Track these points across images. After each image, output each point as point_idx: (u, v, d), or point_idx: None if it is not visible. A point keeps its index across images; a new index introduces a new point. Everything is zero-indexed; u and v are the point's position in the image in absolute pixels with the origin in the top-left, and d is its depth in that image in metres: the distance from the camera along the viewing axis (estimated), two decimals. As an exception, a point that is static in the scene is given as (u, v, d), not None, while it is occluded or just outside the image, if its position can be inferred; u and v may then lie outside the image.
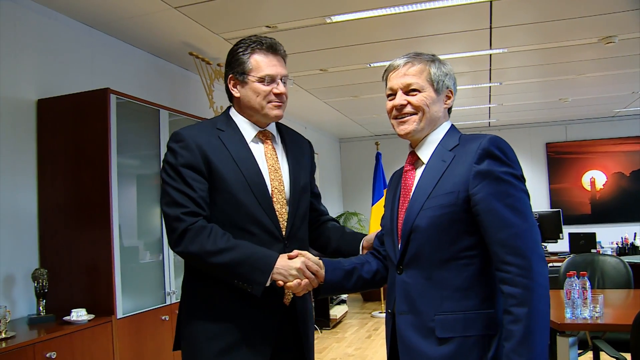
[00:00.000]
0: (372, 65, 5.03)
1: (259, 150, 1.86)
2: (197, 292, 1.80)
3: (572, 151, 9.01)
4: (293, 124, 7.63)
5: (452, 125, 1.68)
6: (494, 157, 1.47)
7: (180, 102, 4.66)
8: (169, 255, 3.70)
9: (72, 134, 3.24)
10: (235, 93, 1.87)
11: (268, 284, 1.68)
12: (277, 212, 1.80)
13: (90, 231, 3.18)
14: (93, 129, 3.20)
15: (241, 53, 1.83)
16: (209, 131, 1.82)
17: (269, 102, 1.84)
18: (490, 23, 4.05)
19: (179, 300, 3.83)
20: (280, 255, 1.71)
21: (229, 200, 1.75)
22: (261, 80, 1.82)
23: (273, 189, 1.81)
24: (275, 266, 1.68)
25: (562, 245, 6.87)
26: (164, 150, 3.63)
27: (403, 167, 1.72)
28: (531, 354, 1.35)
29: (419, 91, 1.61)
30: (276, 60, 1.85)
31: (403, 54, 1.68)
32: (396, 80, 1.64)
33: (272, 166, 1.85)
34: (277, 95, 1.84)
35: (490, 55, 4.87)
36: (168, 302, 3.64)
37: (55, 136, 3.27)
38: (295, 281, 1.68)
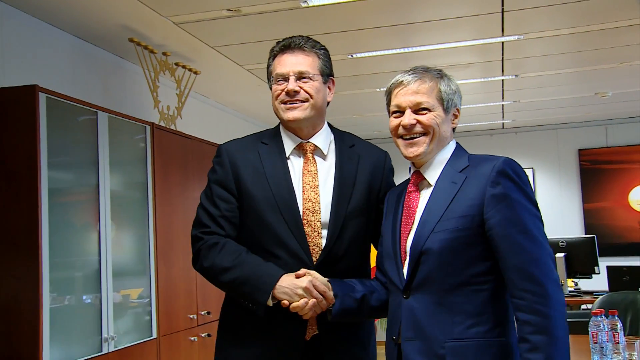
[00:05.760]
0: (354, 56, 5.36)
1: (297, 166, 2.25)
2: (233, 315, 2.28)
3: (614, 160, 9.12)
4: (258, 122, 7.90)
5: (458, 144, 2.12)
6: (509, 180, 1.90)
7: (118, 101, 4.96)
8: (108, 292, 3.99)
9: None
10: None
11: (271, 304, 2.07)
12: (307, 236, 2.17)
13: (12, 263, 3.44)
14: (16, 136, 3.47)
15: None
16: (251, 145, 2.28)
17: (282, 102, 2.21)
18: (502, 6, 4.43)
19: (117, 348, 4.16)
20: (286, 274, 2.09)
21: (256, 220, 2.18)
22: (275, 81, 2.22)
23: (305, 209, 2.18)
24: (280, 285, 2.06)
25: (598, 281, 6.96)
26: (103, 161, 3.98)
27: (400, 186, 2.16)
28: None
29: (429, 110, 2.03)
30: (290, 57, 2.22)
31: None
32: (405, 98, 2.06)
33: (309, 184, 2.21)
34: (287, 93, 2.19)
35: (503, 43, 5.29)
36: (105, 351, 3.91)
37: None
38: (302, 301, 2.04)
